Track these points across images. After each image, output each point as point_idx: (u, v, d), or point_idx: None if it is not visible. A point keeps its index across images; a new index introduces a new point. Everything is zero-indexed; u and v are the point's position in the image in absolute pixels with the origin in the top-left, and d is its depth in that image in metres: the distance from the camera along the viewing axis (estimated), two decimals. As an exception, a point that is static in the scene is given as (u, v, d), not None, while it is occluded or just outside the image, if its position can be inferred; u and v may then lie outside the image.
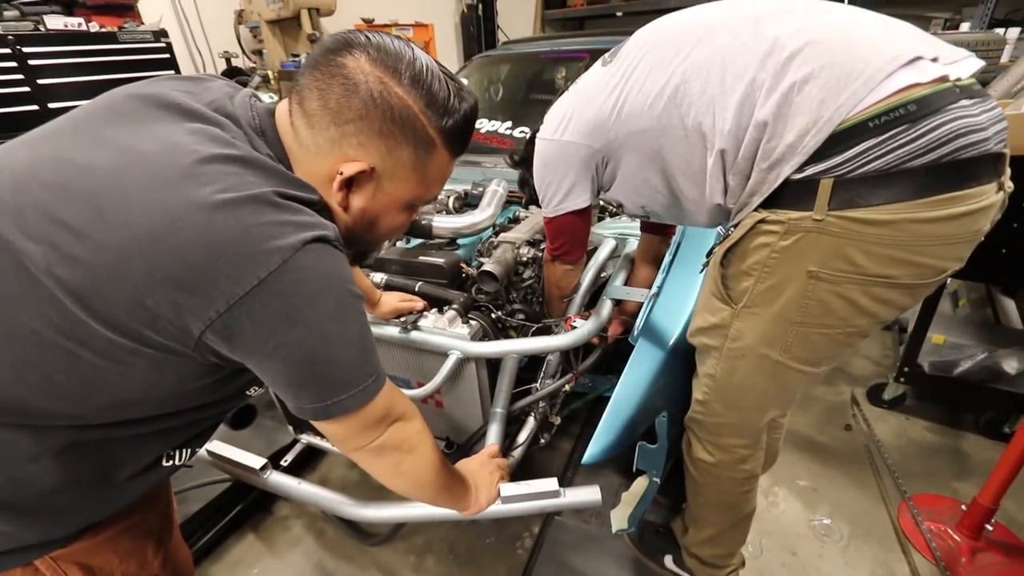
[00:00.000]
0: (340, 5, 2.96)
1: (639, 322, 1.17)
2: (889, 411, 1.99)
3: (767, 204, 0.80)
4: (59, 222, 0.52)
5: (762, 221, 0.80)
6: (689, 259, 1.28)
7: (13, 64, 1.88)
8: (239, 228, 0.52)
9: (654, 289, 1.23)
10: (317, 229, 0.57)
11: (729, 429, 1.05)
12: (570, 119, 0.99)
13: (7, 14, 1.91)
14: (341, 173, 0.62)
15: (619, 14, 4.41)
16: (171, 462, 0.73)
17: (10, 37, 1.87)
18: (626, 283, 1.40)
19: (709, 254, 0.97)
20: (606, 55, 1.00)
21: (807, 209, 0.75)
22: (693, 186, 0.89)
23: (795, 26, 0.77)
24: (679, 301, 1.17)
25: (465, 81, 2.35)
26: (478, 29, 4.03)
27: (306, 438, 1.58)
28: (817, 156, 0.73)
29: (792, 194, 0.76)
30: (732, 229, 0.86)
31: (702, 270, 0.98)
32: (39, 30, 1.93)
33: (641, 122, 0.89)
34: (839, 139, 0.71)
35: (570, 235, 1.16)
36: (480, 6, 4.00)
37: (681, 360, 1.10)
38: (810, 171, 0.74)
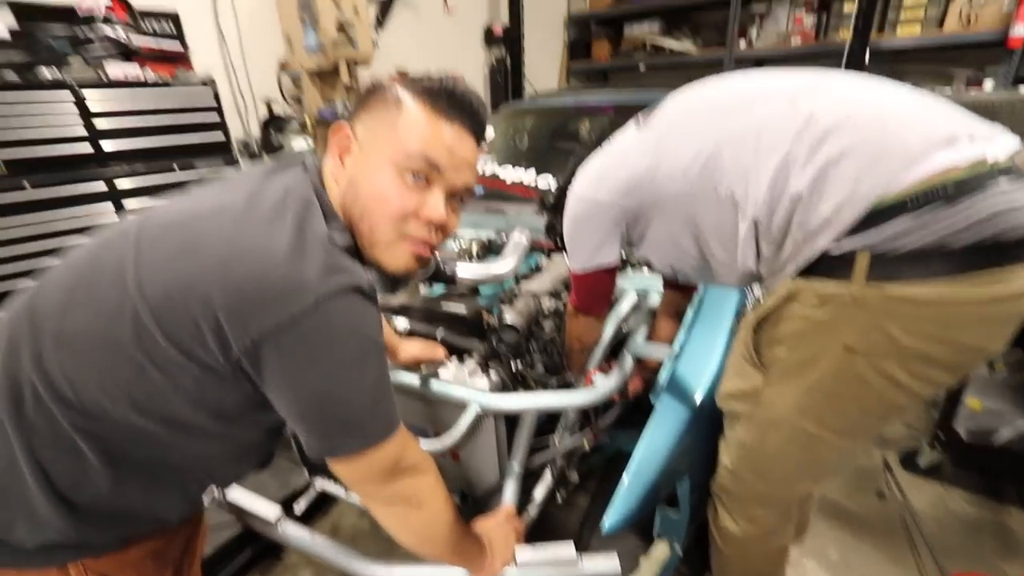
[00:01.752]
0: (376, 57, 3.12)
1: (661, 380, 1.14)
2: (925, 479, 1.89)
3: (803, 273, 0.79)
4: (157, 250, 0.62)
5: (797, 291, 0.79)
6: (712, 316, 1.26)
7: (75, 110, 2.02)
8: (288, 267, 0.58)
9: (676, 347, 1.20)
10: (355, 279, 0.61)
11: (758, 499, 1.01)
12: (603, 178, 1.00)
13: (72, 61, 2.07)
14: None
15: (642, 68, 4.54)
16: (210, 496, 0.78)
17: (75, 84, 2.02)
18: (648, 338, 1.37)
19: (738, 316, 0.95)
20: (639, 116, 1.02)
21: (844, 281, 0.74)
22: (725, 251, 0.89)
23: (830, 102, 0.77)
24: (703, 360, 1.14)
25: (491, 130, 2.41)
26: (505, 79, 4.19)
27: (320, 482, 1.56)
28: (854, 231, 0.72)
29: (829, 265, 0.75)
30: (764, 296, 0.85)
31: (731, 333, 0.96)
32: (101, 79, 2.08)
33: (675, 186, 0.89)
34: (876, 217, 0.70)
35: (596, 290, 1.16)
36: (508, 58, 4.18)
37: (705, 422, 1.07)
38: (847, 245, 0.73)
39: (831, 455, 0.90)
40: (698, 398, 1.08)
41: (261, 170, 0.72)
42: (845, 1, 3.39)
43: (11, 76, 1.89)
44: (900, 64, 3.39)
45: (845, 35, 3.25)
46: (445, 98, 0.71)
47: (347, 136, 0.71)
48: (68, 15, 2.12)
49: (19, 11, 2.00)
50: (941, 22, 3.13)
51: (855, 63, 3.12)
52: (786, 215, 0.77)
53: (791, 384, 0.85)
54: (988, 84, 3.09)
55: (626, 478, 0.98)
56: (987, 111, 1.60)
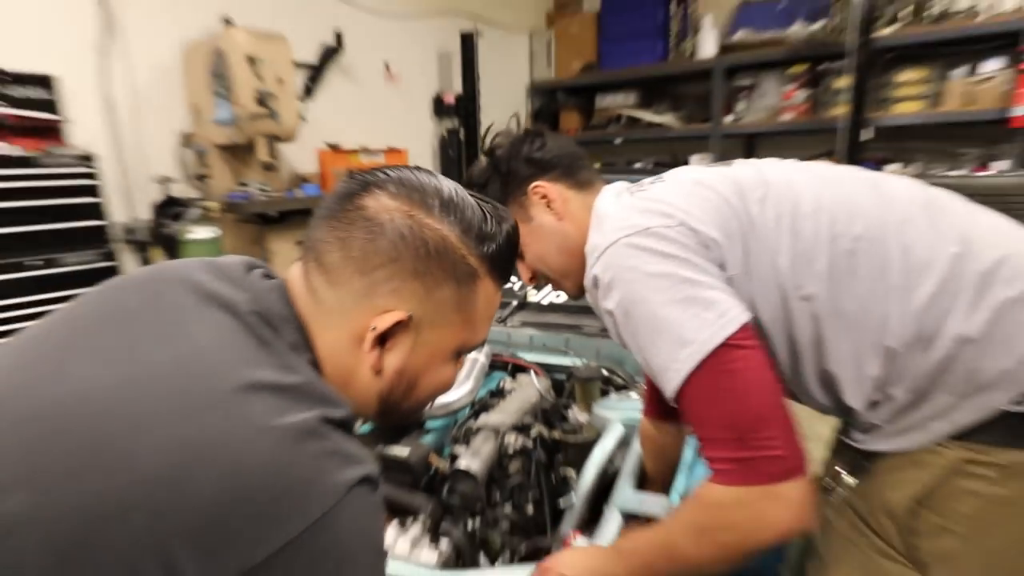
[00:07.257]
0: (303, 130, 2.60)
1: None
2: None
3: (964, 437, 0.66)
4: (45, 464, 0.41)
5: (965, 461, 0.66)
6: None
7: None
8: (272, 468, 0.42)
9: (675, 496, 0.95)
10: (364, 464, 0.47)
11: None
12: (670, 204, 0.74)
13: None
14: (374, 328, 0.54)
15: (617, 141, 4.08)
16: None
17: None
18: (640, 486, 1.04)
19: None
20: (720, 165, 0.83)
21: None
22: (823, 378, 0.73)
23: (982, 228, 0.69)
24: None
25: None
26: (459, 153, 3.64)
27: None
28: None
29: (1007, 429, 0.64)
30: (898, 461, 0.70)
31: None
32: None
33: (780, 260, 0.71)
34: None
35: (763, 393, 0.64)
36: (462, 130, 3.63)
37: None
38: None
39: None
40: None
41: (184, 287, 0.52)
42: (837, 78, 3.19)
43: None
44: (903, 142, 3.20)
45: (839, 111, 3.04)
46: (510, 264, 0.62)
47: (404, 326, 0.55)
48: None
49: None
50: (941, 100, 2.97)
51: (852, 140, 2.93)
52: (944, 361, 0.66)
53: None
54: (1003, 165, 2.84)
55: None
56: (999, 199, 1.40)
